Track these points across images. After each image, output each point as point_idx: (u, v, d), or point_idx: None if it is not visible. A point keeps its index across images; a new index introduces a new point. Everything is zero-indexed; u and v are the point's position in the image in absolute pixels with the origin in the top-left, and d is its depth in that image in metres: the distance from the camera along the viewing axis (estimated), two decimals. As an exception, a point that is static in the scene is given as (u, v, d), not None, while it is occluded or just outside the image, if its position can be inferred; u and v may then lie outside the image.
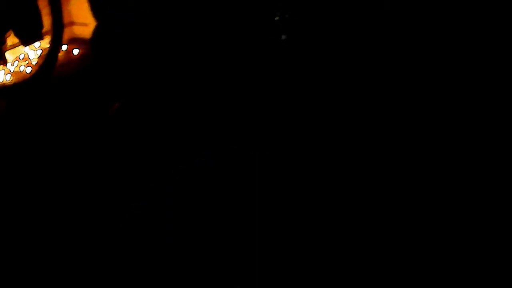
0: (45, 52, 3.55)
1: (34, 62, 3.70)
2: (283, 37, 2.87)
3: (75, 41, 3.92)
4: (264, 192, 2.37)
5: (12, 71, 3.72)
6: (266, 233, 2.19)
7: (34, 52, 3.80)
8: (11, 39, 3.52)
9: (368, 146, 2.56)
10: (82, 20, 3.90)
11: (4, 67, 3.65)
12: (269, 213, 2.28)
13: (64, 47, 3.82)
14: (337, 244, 2.12)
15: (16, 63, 3.76)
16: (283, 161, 2.53)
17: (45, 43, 3.59)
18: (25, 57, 3.79)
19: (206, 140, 2.70)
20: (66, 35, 3.73)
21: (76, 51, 3.85)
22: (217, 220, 2.27)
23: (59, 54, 3.60)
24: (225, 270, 2.06)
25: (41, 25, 3.51)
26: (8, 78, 3.67)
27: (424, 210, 2.20)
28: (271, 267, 2.05)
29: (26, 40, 3.53)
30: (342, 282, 1.98)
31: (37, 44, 3.73)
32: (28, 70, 3.68)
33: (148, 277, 2.08)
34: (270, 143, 2.62)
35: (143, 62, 2.89)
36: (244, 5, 2.88)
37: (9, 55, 3.63)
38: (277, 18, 2.89)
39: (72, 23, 3.98)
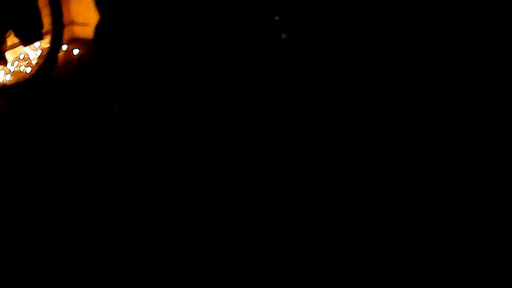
0: (45, 52, 3.55)
1: (34, 62, 3.70)
2: (283, 36, 2.87)
3: (75, 41, 3.93)
4: (263, 191, 2.38)
5: (12, 71, 3.72)
6: (265, 233, 2.20)
7: (34, 52, 3.80)
8: (11, 39, 3.52)
9: (368, 144, 2.56)
10: (82, 20, 3.90)
11: (4, 67, 3.65)
12: (268, 212, 2.28)
13: (64, 47, 3.83)
14: (335, 244, 2.12)
15: (16, 63, 3.76)
16: (283, 160, 2.53)
17: (45, 43, 3.59)
18: (25, 57, 3.79)
19: (206, 139, 2.70)
20: (66, 35, 3.73)
21: (76, 51, 3.85)
22: (216, 220, 2.28)
23: (59, 54, 3.60)
24: (223, 271, 2.06)
25: (41, 25, 3.51)
26: (8, 78, 3.67)
27: (422, 208, 2.21)
28: (270, 268, 2.05)
29: (26, 40, 3.53)
30: (341, 282, 1.98)
31: (37, 44, 3.73)
32: (28, 70, 3.68)
33: (148, 277, 2.08)
34: (270, 142, 2.63)
35: (142, 61, 2.89)
36: (244, 5, 2.88)
37: (9, 55, 3.62)
38: (277, 18, 2.89)
39: (72, 23, 3.98)
